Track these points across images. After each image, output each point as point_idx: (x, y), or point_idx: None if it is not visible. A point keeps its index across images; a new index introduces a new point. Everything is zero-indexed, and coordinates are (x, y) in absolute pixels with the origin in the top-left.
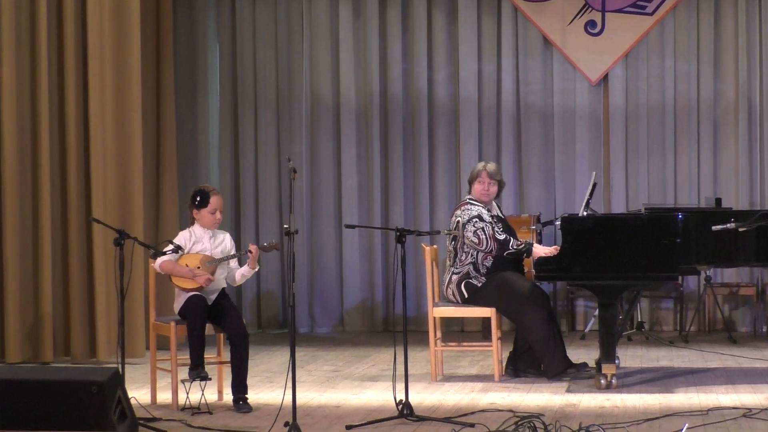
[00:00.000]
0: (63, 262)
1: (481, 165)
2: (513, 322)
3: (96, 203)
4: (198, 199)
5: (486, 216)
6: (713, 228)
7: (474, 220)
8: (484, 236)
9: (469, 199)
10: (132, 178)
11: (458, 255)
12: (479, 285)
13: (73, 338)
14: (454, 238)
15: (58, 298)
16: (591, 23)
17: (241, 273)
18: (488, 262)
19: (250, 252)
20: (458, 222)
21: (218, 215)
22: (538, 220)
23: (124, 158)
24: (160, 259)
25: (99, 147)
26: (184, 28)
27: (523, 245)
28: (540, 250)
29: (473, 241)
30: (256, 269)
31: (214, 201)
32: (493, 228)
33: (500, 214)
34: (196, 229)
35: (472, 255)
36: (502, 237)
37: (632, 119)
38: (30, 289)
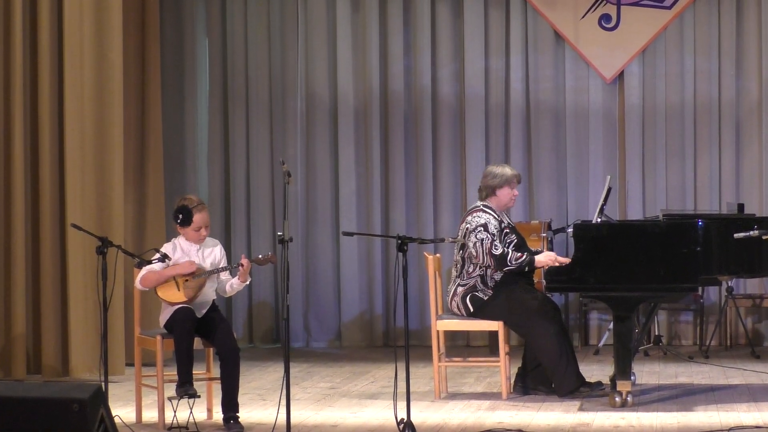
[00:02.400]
0: (34, 273)
1: (510, 169)
2: (522, 337)
3: (71, 209)
4: (180, 217)
5: (492, 226)
6: (735, 235)
7: (479, 229)
8: (481, 250)
9: (483, 206)
10: (112, 182)
11: (465, 266)
12: (485, 298)
13: (45, 354)
14: (463, 247)
15: (29, 312)
16: (605, 17)
17: (231, 284)
18: (497, 276)
19: (242, 265)
20: (467, 230)
21: (203, 232)
22: (549, 227)
23: (104, 161)
24: (139, 275)
25: (76, 149)
26: (171, 21)
27: (524, 258)
28: (542, 261)
29: (472, 253)
30: (247, 282)
31: (198, 219)
32: (491, 242)
33: (511, 222)
34: (182, 242)
35: (480, 267)
36: (498, 252)
37: (649, 119)
38: (1, 301)
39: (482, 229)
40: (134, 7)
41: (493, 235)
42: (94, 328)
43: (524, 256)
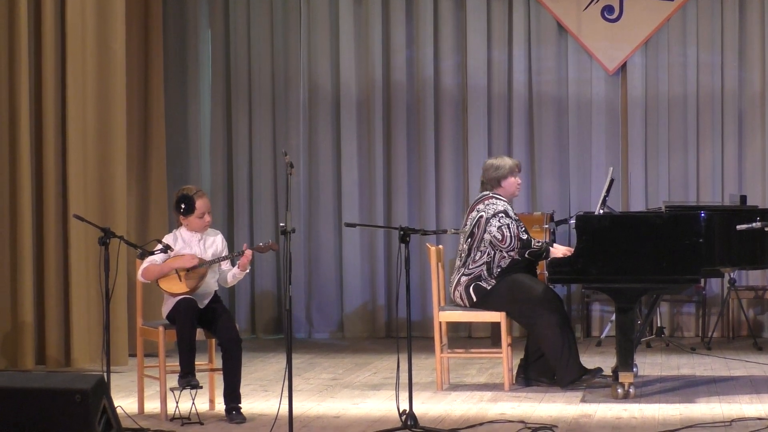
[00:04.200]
0: (38, 264)
1: (510, 159)
2: (525, 328)
3: (74, 200)
4: (183, 206)
5: (511, 212)
6: (738, 227)
7: (500, 214)
8: (508, 233)
9: (494, 194)
10: (114, 174)
11: (472, 254)
12: (489, 288)
13: (49, 345)
14: (471, 235)
15: (34, 302)
16: (608, 8)
17: (233, 274)
18: (504, 263)
19: (242, 253)
20: (481, 217)
21: (207, 218)
22: (552, 218)
23: (106, 152)
24: (141, 267)
25: (78, 140)
26: (174, 13)
27: (542, 244)
28: (558, 251)
29: (496, 237)
30: (247, 271)
31: (200, 204)
32: (517, 226)
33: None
34: (184, 232)
35: (488, 254)
36: (525, 236)
37: (652, 111)
38: (8, 292)
39: (503, 215)
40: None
41: (517, 220)
42: (97, 319)
43: (542, 243)
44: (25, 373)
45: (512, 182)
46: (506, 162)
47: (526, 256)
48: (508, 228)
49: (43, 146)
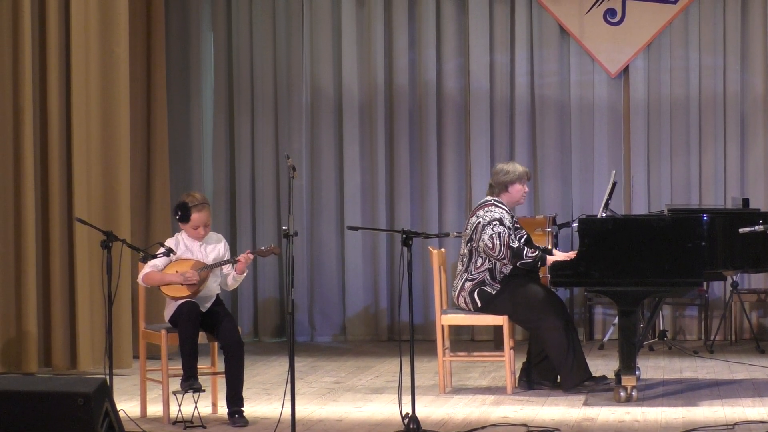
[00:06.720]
0: (44, 267)
1: (520, 166)
2: (529, 332)
3: (79, 203)
4: (179, 214)
5: (507, 221)
6: (740, 230)
7: (494, 222)
8: (498, 242)
9: (495, 200)
10: (118, 176)
11: (473, 259)
12: (493, 293)
13: (54, 348)
14: (471, 240)
15: (39, 306)
16: (611, 12)
17: (232, 277)
18: (506, 269)
19: (239, 261)
20: (478, 223)
21: (201, 231)
22: (554, 221)
23: (110, 155)
24: (142, 272)
25: (83, 143)
26: (177, 16)
27: (537, 253)
28: (557, 257)
29: (487, 245)
30: (245, 274)
31: (196, 218)
32: (509, 235)
33: (517, 219)
34: (186, 236)
35: (489, 261)
36: (515, 245)
37: (654, 114)
38: (12, 295)
39: (498, 222)
40: (140, 3)
41: (509, 228)
42: (101, 322)
43: (537, 252)
44: (28, 377)
45: (519, 189)
46: (516, 168)
47: (518, 265)
48: (499, 237)
49: (48, 150)
